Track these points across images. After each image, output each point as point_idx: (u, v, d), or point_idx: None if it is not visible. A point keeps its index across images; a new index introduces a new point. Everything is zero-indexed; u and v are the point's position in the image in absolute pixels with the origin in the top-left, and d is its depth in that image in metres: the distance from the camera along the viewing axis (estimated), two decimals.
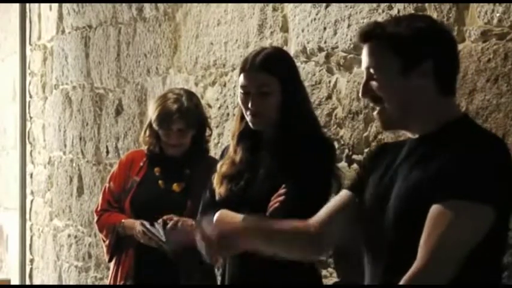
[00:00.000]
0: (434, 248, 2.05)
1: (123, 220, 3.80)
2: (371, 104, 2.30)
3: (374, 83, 2.22)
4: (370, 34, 2.23)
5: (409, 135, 2.27)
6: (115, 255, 3.88)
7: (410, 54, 2.18)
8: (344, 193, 2.40)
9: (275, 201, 2.92)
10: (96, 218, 3.95)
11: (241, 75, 3.05)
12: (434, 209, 2.07)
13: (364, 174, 2.39)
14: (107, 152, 5.30)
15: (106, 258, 3.98)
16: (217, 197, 3.10)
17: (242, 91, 3.05)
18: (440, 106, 2.21)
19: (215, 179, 3.12)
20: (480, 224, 2.07)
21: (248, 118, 3.04)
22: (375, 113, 2.26)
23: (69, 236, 5.89)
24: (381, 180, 2.28)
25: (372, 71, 2.23)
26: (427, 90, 2.20)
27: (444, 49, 2.22)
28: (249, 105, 3.01)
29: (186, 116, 3.71)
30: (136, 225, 3.70)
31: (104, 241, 3.92)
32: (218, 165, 3.14)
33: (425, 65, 2.18)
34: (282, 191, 2.93)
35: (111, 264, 3.95)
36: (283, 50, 3.32)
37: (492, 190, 2.07)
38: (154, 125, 3.76)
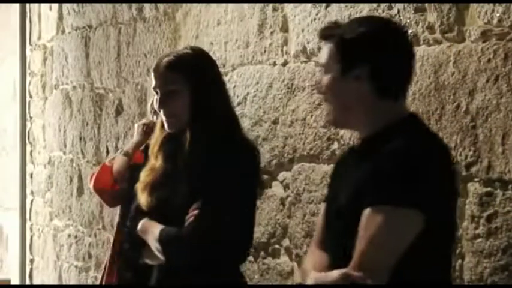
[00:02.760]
0: (364, 251, 2.14)
1: None
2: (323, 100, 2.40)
3: (323, 81, 2.32)
4: (326, 34, 2.32)
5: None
6: None
7: (348, 57, 2.25)
8: (323, 206, 2.49)
9: (190, 215, 2.82)
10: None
11: (152, 77, 2.99)
12: (365, 212, 2.16)
13: (330, 182, 2.49)
14: (107, 152, 5.30)
15: None
16: (141, 206, 2.99)
17: (154, 93, 2.98)
18: (380, 109, 2.27)
19: (138, 188, 3.01)
20: (407, 228, 2.15)
21: (164, 120, 2.95)
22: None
23: (69, 236, 5.89)
24: (334, 184, 2.41)
25: (323, 69, 2.32)
26: (363, 93, 2.26)
27: (384, 54, 2.26)
28: (158, 105, 2.93)
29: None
30: None
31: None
32: (141, 174, 3.04)
33: (361, 69, 2.24)
34: (195, 205, 2.82)
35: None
36: (200, 51, 3.12)
37: (418, 195, 2.14)
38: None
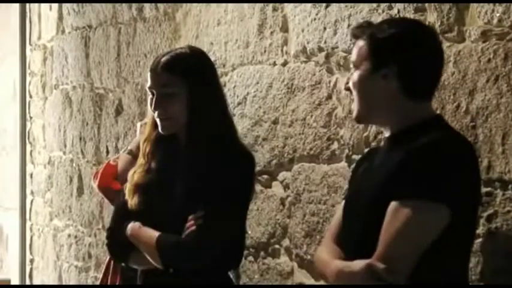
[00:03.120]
0: (388, 243, 2.17)
1: None
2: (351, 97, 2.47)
3: (352, 77, 2.38)
4: (358, 32, 2.39)
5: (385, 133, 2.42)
6: None
7: (378, 55, 2.32)
8: (341, 205, 2.52)
9: (192, 224, 2.77)
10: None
11: (148, 76, 2.92)
12: (392, 205, 2.19)
13: (351, 180, 2.55)
14: (107, 152, 5.30)
15: None
16: (129, 208, 2.92)
17: (149, 93, 2.91)
18: (406, 109, 2.32)
19: (127, 189, 2.95)
20: (433, 222, 2.18)
21: (158, 122, 2.89)
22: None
23: (69, 236, 5.89)
24: (356, 182, 2.47)
25: (353, 66, 2.38)
26: (390, 92, 2.31)
27: (413, 55, 2.31)
28: (154, 106, 2.87)
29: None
30: None
31: None
32: (130, 173, 2.98)
33: (389, 68, 2.30)
34: (198, 214, 2.77)
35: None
36: (198, 51, 3.08)
37: (446, 189, 2.17)
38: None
